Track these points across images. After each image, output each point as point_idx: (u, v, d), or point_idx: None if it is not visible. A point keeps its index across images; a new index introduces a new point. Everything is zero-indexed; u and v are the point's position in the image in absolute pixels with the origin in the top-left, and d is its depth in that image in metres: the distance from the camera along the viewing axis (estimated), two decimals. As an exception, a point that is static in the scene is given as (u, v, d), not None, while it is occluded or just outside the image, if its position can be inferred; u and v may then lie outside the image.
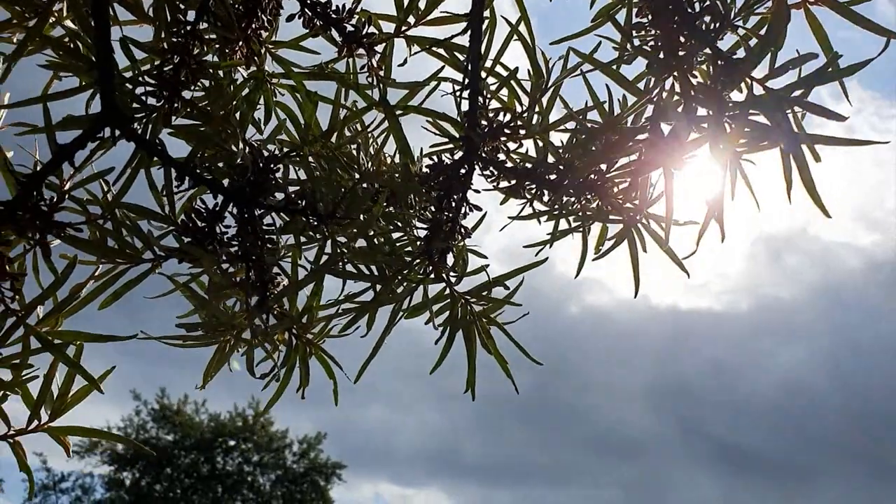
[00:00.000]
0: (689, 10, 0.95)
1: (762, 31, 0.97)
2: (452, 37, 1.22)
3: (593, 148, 1.15)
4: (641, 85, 1.09)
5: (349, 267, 1.29)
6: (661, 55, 0.97)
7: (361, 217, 1.25)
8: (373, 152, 1.39)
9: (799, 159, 0.91)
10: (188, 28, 1.10)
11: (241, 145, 1.23)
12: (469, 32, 1.23)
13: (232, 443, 22.76)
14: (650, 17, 0.99)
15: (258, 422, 22.73)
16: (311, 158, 1.31)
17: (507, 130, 1.38)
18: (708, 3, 0.94)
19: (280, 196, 1.24)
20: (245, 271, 1.13)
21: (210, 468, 22.43)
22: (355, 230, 1.18)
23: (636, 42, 1.01)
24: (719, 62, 0.94)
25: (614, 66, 1.08)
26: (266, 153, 1.26)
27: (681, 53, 0.96)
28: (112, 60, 1.00)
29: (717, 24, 0.93)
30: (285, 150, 1.30)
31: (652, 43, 0.99)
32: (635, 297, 1.45)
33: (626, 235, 1.39)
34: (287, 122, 1.31)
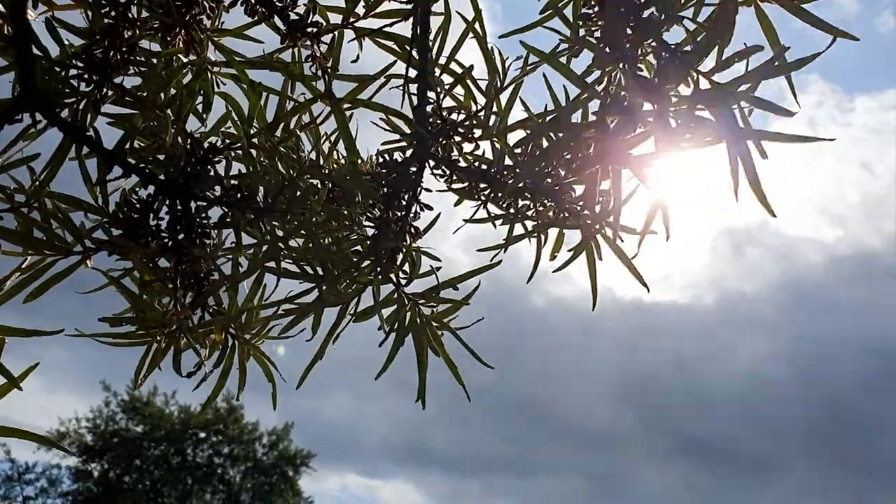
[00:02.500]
0: (636, 1, 0.91)
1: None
2: (392, 23, 1.17)
3: (543, 146, 1.11)
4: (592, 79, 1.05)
5: (293, 267, 1.25)
6: (607, 47, 0.93)
7: (302, 212, 1.21)
8: (326, 148, 1.35)
9: (743, 156, 0.87)
10: (118, 10, 1.05)
11: (176, 135, 1.18)
12: (415, 24, 1.17)
13: (202, 435, 22.63)
14: (597, 7, 0.96)
15: (233, 415, 22.62)
16: (254, 151, 1.26)
17: (460, 130, 1.34)
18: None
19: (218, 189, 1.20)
20: (175, 265, 1.08)
21: (180, 460, 22.29)
22: (295, 225, 1.13)
23: (582, 33, 0.97)
24: (664, 55, 0.90)
25: (563, 60, 1.04)
26: (207, 144, 1.22)
27: (626, 45, 0.92)
28: (29, 39, 0.95)
29: (663, 16, 0.89)
30: (227, 141, 1.25)
31: (598, 34, 0.95)
32: (593, 309, 1.41)
33: (583, 247, 1.35)
34: (232, 113, 1.27)
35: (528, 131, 1.14)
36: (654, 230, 1.38)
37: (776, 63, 0.88)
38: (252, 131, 1.26)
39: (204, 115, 1.25)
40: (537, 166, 1.14)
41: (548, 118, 1.13)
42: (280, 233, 1.23)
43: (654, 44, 0.91)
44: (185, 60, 1.21)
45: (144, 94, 1.14)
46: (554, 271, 1.41)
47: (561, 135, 1.02)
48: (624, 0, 0.92)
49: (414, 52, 1.28)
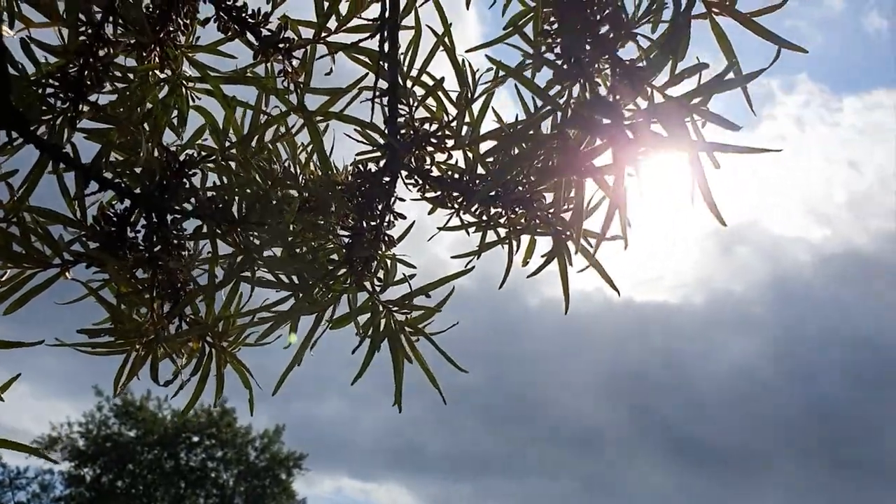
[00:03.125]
0: (592, 19, 0.94)
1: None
2: (361, 40, 1.20)
3: (513, 155, 1.14)
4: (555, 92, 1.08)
5: (270, 276, 1.28)
6: (564, 63, 0.97)
7: (277, 223, 1.24)
8: (303, 159, 1.38)
9: (695, 166, 0.91)
10: (93, 29, 1.08)
11: (152, 149, 1.21)
12: (384, 38, 1.21)
13: (196, 439, 22.63)
14: (556, 24, 0.99)
15: (226, 419, 22.62)
16: (231, 164, 1.29)
17: (433, 140, 1.37)
18: (609, 11, 0.93)
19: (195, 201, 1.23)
20: (151, 276, 1.11)
21: (173, 464, 22.29)
22: (270, 236, 1.16)
23: (542, 50, 1.01)
24: (618, 70, 0.93)
25: (529, 73, 1.07)
26: (183, 157, 1.25)
27: (585, 61, 0.95)
28: (5, 58, 0.97)
29: (617, 33, 0.93)
30: (203, 154, 1.28)
31: (557, 51, 0.98)
32: (566, 312, 1.44)
33: (555, 253, 1.38)
34: (208, 127, 1.30)
35: (497, 141, 1.17)
36: (619, 236, 1.43)
37: (728, 76, 0.91)
38: (227, 144, 1.29)
39: (180, 129, 1.28)
40: (508, 175, 1.17)
41: (518, 128, 1.16)
42: (257, 242, 1.27)
43: (609, 60, 0.94)
44: (160, 76, 1.24)
45: (120, 111, 1.17)
46: (528, 276, 1.45)
47: (526, 145, 1.05)
48: (580, 17, 0.95)
49: (385, 66, 1.31)
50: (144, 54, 1.21)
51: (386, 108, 1.32)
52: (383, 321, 1.34)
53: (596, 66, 0.96)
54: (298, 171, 1.36)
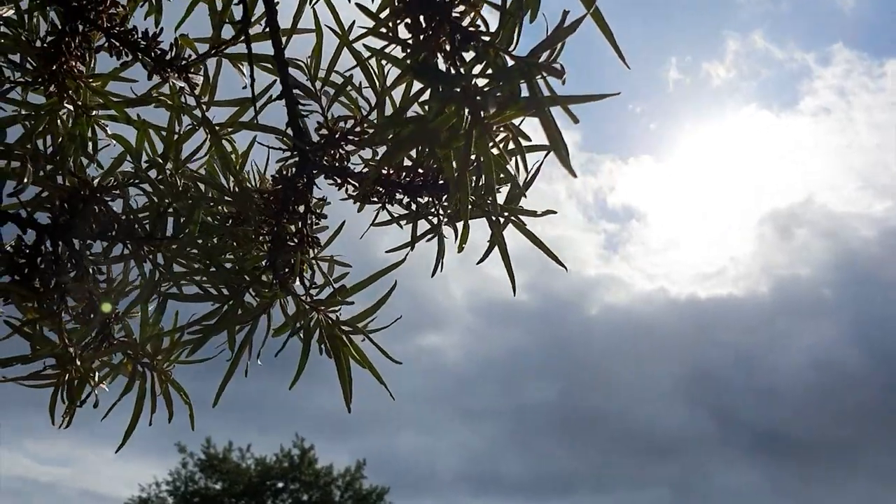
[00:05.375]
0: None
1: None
2: (232, 43, 1.21)
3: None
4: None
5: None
6: (411, 38, 0.96)
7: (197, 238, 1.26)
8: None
9: (544, 121, 0.89)
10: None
11: (63, 179, 1.23)
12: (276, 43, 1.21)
13: (280, 485, 22.83)
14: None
15: (306, 459, 22.79)
16: (146, 185, 1.31)
17: (350, 138, 1.37)
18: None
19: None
20: (59, 301, 1.12)
21: (262, 513, 22.53)
22: (192, 252, 1.18)
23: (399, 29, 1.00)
24: (457, 36, 0.92)
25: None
26: (97, 184, 1.27)
27: (430, 34, 0.94)
28: None
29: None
30: (121, 179, 1.30)
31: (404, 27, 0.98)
32: (514, 295, 1.42)
33: (496, 238, 1.36)
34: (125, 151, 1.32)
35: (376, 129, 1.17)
36: (551, 210, 1.40)
37: (565, 26, 0.90)
38: (144, 166, 1.31)
39: (94, 156, 1.30)
40: (393, 160, 1.17)
41: (393, 112, 1.15)
42: (194, 256, 1.28)
43: (448, 28, 0.93)
44: (66, 107, 1.26)
45: (28, 147, 1.20)
46: (478, 263, 1.43)
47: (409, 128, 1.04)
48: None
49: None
50: (44, 89, 1.24)
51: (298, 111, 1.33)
52: (313, 322, 1.34)
53: (441, 38, 0.95)
54: (230, 184, 1.37)
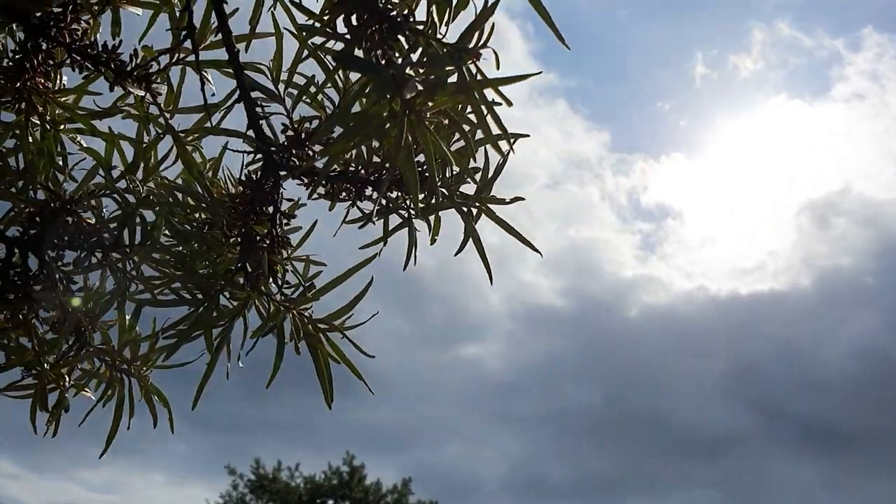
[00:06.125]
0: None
1: None
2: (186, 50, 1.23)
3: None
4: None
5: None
6: (347, 33, 0.98)
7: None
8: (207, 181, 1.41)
9: (473, 105, 0.90)
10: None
11: (34, 193, 1.26)
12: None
13: (330, 502, 22.91)
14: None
15: (356, 476, 22.85)
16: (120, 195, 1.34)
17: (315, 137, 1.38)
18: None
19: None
20: (27, 310, 1.15)
21: (315, 532, 22.62)
22: (165, 257, 1.20)
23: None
24: (384, 25, 0.94)
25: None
26: (68, 196, 1.30)
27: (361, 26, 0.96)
28: None
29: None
30: (92, 190, 1.33)
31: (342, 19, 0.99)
32: (491, 284, 1.43)
33: (469, 230, 1.37)
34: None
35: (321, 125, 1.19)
36: (519, 197, 1.41)
37: (487, 7, 0.91)
38: (115, 176, 1.34)
39: (65, 169, 1.33)
40: (337, 155, 1.18)
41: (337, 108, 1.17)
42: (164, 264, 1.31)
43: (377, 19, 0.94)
44: (35, 123, 1.30)
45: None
46: (455, 254, 1.43)
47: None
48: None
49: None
50: (12, 106, 1.27)
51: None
52: (291, 323, 1.36)
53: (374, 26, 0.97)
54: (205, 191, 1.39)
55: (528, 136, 1.35)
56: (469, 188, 1.36)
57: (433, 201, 1.38)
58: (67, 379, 1.20)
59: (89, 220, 1.27)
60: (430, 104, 0.96)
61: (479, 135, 1.14)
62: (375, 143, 1.30)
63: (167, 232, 1.32)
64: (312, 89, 1.37)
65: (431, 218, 1.41)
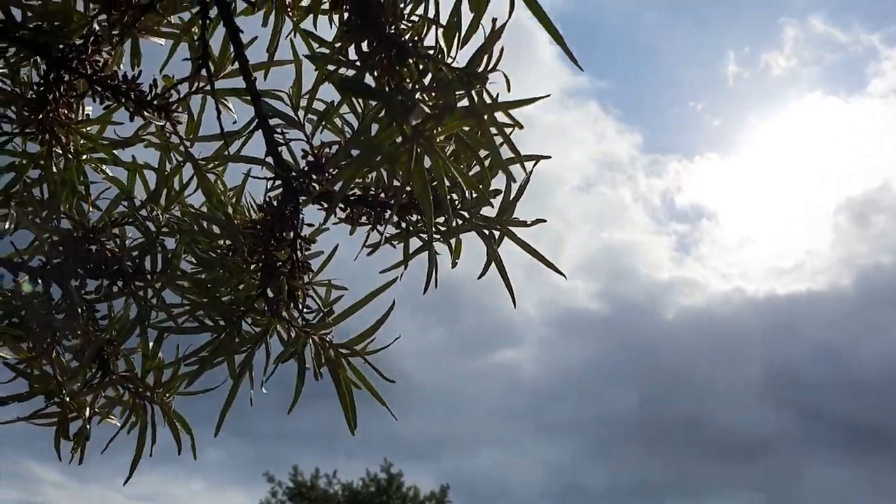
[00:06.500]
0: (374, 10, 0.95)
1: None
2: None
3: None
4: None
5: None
6: (358, 60, 0.98)
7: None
8: (231, 208, 1.43)
9: (482, 129, 0.90)
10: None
11: (57, 223, 1.28)
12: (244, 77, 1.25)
13: (369, 510, 22.92)
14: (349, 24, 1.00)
15: (394, 484, 22.84)
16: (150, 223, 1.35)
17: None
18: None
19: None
20: (51, 342, 1.17)
21: (353, 540, 22.63)
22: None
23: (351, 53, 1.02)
24: (393, 52, 0.94)
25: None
26: (91, 225, 1.32)
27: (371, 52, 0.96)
28: None
29: (387, 15, 0.94)
30: (116, 218, 1.34)
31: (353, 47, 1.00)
32: (514, 307, 1.42)
33: (492, 253, 1.36)
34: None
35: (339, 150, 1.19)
36: (541, 219, 1.40)
37: (494, 31, 0.91)
38: (137, 205, 1.36)
39: (88, 199, 1.35)
40: (348, 179, 1.18)
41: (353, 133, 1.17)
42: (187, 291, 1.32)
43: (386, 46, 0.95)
44: (58, 153, 1.32)
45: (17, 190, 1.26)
46: (478, 277, 1.43)
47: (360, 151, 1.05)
48: (363, 12, 0.97)
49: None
50: (36, 137, 1.29)
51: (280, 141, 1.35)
52: (313, 348, 1.36)
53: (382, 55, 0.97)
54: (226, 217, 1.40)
55: (549, 157, 1.35)
56: (492, 210, 1.36)
57: (453, 224, 1.38)
58: (89, 408, 1.21)
59: (112, 249, 1.28)
60: (440, 129, 0.96)
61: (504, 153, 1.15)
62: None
63: (191, 259, 1.33)
64: (331, 114, 1.38)
65: (453, 241, 1.41)
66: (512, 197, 1.35)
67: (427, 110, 0.92)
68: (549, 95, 0.89)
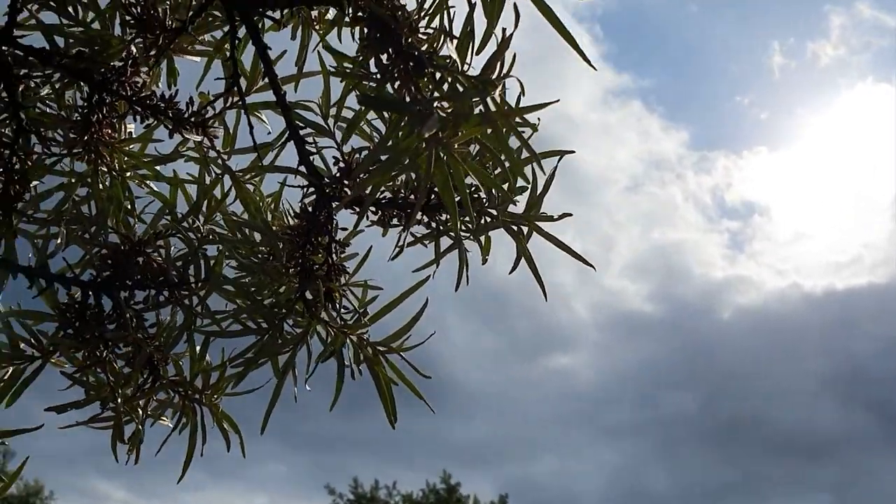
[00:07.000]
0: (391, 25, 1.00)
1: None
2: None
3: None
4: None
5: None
6: (378, 73, 1.03)
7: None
8: (270, 215, 1.49)
9: (497, 134, 0.94)
10: (12, 147, 1.24)
11: (105, 237, 1.36)
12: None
13: (430, 521, 23.00)
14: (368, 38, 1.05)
15: (454, 495, 22.88)
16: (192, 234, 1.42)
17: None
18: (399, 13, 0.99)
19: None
20: (104, 349, 1.24)
21: (413, 551, 22.72)
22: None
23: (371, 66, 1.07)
24: (410, 63, 0.99)
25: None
26: (137, 238, 1.39)
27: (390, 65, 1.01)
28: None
29: (403, 29, 0.98)
30: (160, 231, 1.41)
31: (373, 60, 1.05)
32: (545, 300, 1.46)
33: (521, 249, 1.40)
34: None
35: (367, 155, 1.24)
36: (566, 214, 1.44)
37: (503, 40, 0.95)
38: (179, 217, 1.43)
39: (134, 214, 1.42)
40: (373, 185, 1.23)
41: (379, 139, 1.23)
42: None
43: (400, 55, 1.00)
44: (103, 171, 1.39)
45: (66, 207, 1.33)
46: (509, 273, 1.47)
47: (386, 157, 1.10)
48: (378, 24, 1.02)
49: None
50: (83, 157, 1.37)
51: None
52: (351, 347, 1.42)
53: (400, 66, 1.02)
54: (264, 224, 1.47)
55: (573, 151, 1.39)
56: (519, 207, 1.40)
57: (482, 222, 1.42)
58: (141, 412, 1.28)
59: (157, 260, 1.35)
60: (458, 135, 1.00)
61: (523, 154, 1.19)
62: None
63: (233, 265, 1.40)
64: (359, 120, 1.43)
65: (483, 238, 1.45)
66: (538, 193, 1.39)
67: (443, 118, 0.96)
68: (557, 101, 0.93)
